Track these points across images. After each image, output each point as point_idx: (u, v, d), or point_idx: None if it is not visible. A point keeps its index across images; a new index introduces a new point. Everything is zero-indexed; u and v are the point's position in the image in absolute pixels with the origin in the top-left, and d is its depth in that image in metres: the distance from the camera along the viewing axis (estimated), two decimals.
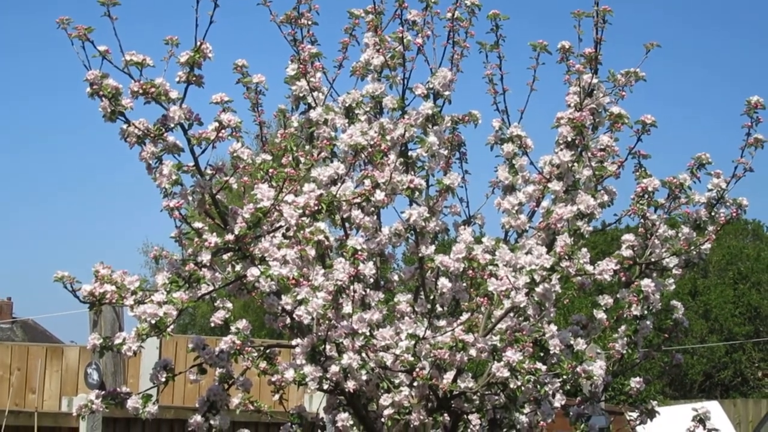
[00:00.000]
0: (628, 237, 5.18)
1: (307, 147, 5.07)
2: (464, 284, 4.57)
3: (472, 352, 4.25)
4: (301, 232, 4.29)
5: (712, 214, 5.28)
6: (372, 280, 4.38)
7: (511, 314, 4.39)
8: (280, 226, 4.40)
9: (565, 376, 4.66)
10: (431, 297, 4.71)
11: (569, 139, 4.97)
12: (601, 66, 5.14)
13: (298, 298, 4.28)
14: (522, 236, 5.04)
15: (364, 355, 4.26)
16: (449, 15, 5.23)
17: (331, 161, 4.84)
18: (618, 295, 5.20)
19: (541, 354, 4.62)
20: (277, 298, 4.47)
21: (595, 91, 5.14)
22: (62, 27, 4.27)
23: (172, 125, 4.31)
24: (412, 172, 4.90)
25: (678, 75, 45.28)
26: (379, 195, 4.42)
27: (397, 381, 4.48)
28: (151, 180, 4.34)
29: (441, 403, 4.57)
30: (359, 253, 4.21)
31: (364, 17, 5.29)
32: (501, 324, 4.40)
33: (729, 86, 46.63)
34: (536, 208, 5.07)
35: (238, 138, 4.47)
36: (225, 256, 4.42)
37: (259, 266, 4.31)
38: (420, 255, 4.75)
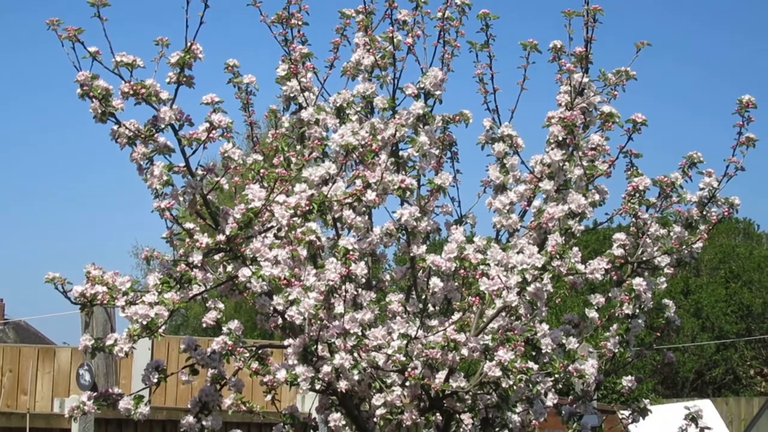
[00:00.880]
0: (620, 236, 5.19)
1: (299, 147, 5.07)
2: (456, 284, 4.57)
3: (464, 351, 4.25)
4: (293, 232, 4.29)
5: (704, 213, 5.29)
6: (364, 280, 4.38)
7: (503, 313, 4.40)
8: (272, 227, 4.40)
9: (557, 375, 4.66)
10: (423, 297, 4.71)
11: (560, 138, 4.97)
12: (591, 65, 5.16)
13: (290, 298, 4.28)
14: (513, 235, 5.05)
15: (356, 355, 4.26)
16: (439, 14, 5.23)
17: (323, 161, 4.84)
18: (610, 294, 5.21)
19: (533, 353, 4.62)
20: (268, 298, 4.47)
21: (586, 90, 5.15)
22: (52, 28, 4.26)
23: (163, 126, 4.30)
24: (404, 172, 4.90)
25: (669, 74, 45.39)
26: (371, 195, 4.42)
27: (389, 381, 4.48)
28: (142, 181, 4.34)
29: (433, 403, 4.58)
30: (351, 253, 4.21)
31: (355, 17, 5.29)
32: (493, 323, 4.40)
33: (720, 85, 46.76)
34: (527, 208, 5.07)
35: (229, 138, 4.46)
36: (216, 257, 4.42)
37: (251, 267, 4.31)
38: (411, 255, 4.75)
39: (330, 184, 4.47)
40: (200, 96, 4.40)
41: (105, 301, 4.22)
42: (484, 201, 5.17)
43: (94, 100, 4.24)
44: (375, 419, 4.48)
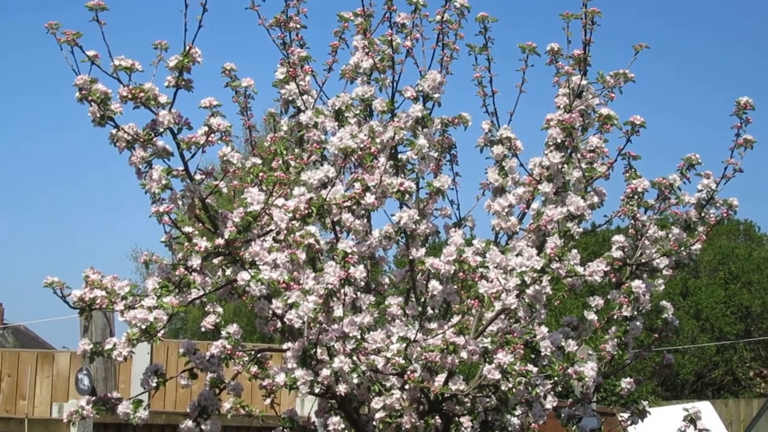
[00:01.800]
0: (619, 238, 5.19)
1: (297, 150, 5.07)
2: (455, 287, 4.57)
3: (463, 354, 4.25)
4: (292, 235, 4.29)
5: (702, 214, 5.29)
6: (363, 283, 4.38)
7: (502, 316, 4.40)
8: (271, 230, 4.40)
9: (556, 378, 4.66)
10: (422, 300, 4.71)
11: (559, 140, 4.98)
12: (590, 68, 5.16)
13: (289, 301, 4.28)
14: (512, 238, 5.05)
15: (355, 358, 4.26)
16: (438, 17, 5.23)
17: (321, 164, 4.84)
18: (609, 296, 5.20)
19: (533, 356, 4.62)
20: (267, 302, 4.47)
21: (584, 93, 5.15)
22: (51, 32, 4.27)
23: (162, 130, 4.30)
24: (402, 175, 4.90)
25: (667, 76, 45.39)
26: (370, 198, 4.42)
27: (388, 384, 4.48)
28: (140, 185, 4.34)
29: (432, 406, 4.57)
30: (350, 256, 4.21)
31: (354, 20, 5.29)
32: (492, 326, 4.40)
33: (719, 87, 46.76)
34: (526, 210, 5.07)
35: (228, 142, 4.47)
36: (215, 261, 4.42)
37: (250, 270, 4.31)
38: (411, 258, 4.75)
39: (329, 188, 4.47)
40: (199, 100, 4.40)
41: (104, 306, 4.22)
42: (483, 204, 5.17)
43: (92, 103, 4.24)
44: (374, 422, 4.48)
